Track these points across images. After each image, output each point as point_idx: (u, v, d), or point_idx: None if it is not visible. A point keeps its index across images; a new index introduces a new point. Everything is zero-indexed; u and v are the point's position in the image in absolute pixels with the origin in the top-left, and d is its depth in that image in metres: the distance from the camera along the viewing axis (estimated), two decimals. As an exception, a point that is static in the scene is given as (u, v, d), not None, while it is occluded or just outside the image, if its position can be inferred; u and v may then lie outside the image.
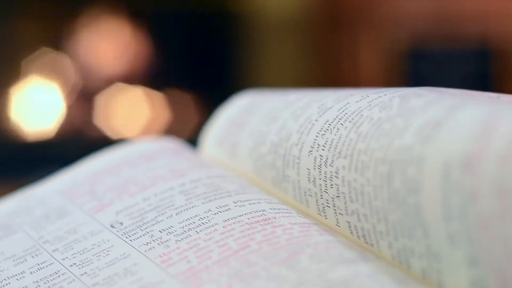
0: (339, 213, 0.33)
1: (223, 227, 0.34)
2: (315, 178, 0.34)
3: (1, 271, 0.35)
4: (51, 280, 0.34)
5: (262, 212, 0.35)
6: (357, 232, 0.32)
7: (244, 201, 0.36)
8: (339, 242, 0.32)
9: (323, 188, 0.33)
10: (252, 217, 0.34)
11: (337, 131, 0.33)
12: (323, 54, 1.71)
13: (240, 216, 0.35)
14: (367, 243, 0.32)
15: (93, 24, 1.66)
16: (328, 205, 0.33)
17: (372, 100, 0.33)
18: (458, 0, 1.63)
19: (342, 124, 0.33)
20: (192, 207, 0.36)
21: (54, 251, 0.36)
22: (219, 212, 0.35)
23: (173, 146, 0.45)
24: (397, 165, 0.29)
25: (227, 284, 0.30)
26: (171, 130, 1.63)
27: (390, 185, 0.30)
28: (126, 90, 1.67)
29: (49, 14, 1.65)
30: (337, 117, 0.33)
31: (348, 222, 0.32)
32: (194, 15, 1.69)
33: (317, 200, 0.34)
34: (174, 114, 1.68)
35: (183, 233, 0.34)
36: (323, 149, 0.33)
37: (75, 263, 0.34)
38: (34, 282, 0.34)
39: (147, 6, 1.69)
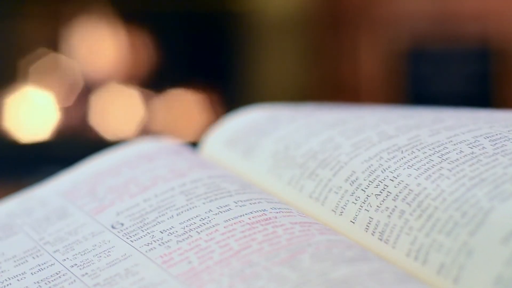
0: (365, 209, 0.34)
1: (224, 227, 0.34)
2: (357, 178, 0.36)
3: (2, 272, 0.35)
4: (52, 280, 0.34)
5: (263, 212, 0.35)
6: (375, 228, 0.33)
7: (245, 200, 0.36)
8: (340, 241, 0.32)
9: (363, 186, 0.35)
10: (253, 217, 0.34)
11: (411, 153, 0.36)
12: (323, 54, 1.71)
13: (241, 216, 0.35)
14: (380, 239, 0.33)
15: (91, 25, 1.66)
16: (355, 201, 0.35)
17: (453, 137, 0.36)
18: (458, 0, 1.63)
19: (419, 150, 0.36)
20: (193, 207, 0.36)
21: (55, 252, 0.36)
22: (220, 212, 0.35)
23: (173, 146, 0.45)
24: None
25: (229, 284, 0.30)
26: (170, 130, 1.63)
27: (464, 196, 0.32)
28: (125, 91, 1.67)
29: (46, 15, 1.65)
30: (409, 144, 0.37)
31: (371, 218, 0.34)
32: (194, 15, 1.69)
33: (342, 197, 0.36)
34: (174, 114, 1.68)
35: (184, 233, 0.34)
36: (386, 161, 0.36)
37: (76, 264, 0.34)
38: (35, 283, 0.34)
39: (147, 6, 1.69)
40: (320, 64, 1.71)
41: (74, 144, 1.58)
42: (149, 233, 0.35)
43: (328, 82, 1.73)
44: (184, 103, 1.68)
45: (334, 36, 1.70)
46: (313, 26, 1.69)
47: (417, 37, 1.65)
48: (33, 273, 0.35)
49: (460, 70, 1.62)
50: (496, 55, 1.62)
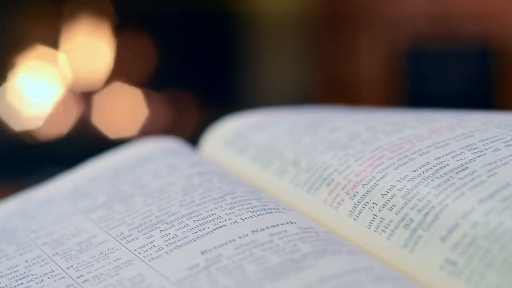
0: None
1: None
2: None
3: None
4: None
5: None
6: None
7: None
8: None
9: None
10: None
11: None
12: (323, 54, 1.71)
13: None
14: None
15: (92, 23, 1.66)
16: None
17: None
18: (458, 0, 1.63)
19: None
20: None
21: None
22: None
23: (172, 146, 0.45)
24: None
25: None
26: (171, 130, 1.63)
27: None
28: (125, 90, 1.67)
29: (47, 12, 1.65)
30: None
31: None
32: (194, 15, 1.69)
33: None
34: (174, 114, 1.68)
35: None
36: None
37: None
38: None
39: (147, 5, 1.69)
40: (320, 64, 1.72)
41: (76, 143, 1.58)
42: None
43: (328, 82, 1.73)
44: (184, 103, 1.68)
45: (334, 36, 1.70)
46: (313, 26, 1.69)
47: (417, 37, 1.65)
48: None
49: (460, 70, 1.62)
50: (496, 55, 1.62)
